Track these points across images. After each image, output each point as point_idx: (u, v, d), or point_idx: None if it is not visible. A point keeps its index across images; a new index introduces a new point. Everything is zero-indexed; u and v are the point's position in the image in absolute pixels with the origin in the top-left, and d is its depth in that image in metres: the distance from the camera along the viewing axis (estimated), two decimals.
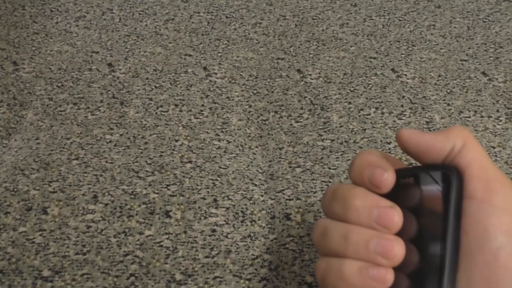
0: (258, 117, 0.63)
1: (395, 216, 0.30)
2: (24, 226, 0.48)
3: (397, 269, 0.30)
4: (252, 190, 0.52)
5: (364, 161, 0.31)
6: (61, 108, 0.61)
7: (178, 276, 0.44)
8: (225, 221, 0.49)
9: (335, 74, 0.69)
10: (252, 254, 0.46)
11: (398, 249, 0.29)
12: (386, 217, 0.30)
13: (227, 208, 0.50)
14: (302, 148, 0.58)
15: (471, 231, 0.29)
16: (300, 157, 0.56)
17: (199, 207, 0.50)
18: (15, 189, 0.51)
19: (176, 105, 0.62)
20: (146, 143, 0.57)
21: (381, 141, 0.58)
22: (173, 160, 0.54)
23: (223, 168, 0.54)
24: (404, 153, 0.56)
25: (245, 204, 0.51)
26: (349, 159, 0.55)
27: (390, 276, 0.29)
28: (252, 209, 0.50)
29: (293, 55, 0.72)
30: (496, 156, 0.57)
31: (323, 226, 0.32)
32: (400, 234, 0.30)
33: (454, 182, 0.30)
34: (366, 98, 0.64)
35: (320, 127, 0.60)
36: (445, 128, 0.32)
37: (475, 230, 0.29)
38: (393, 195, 0.31)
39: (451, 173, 0.30)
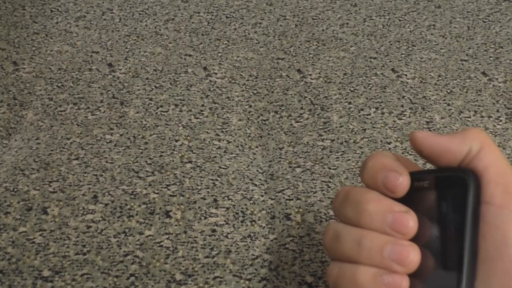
0: (258, 117, 0.63)
1: (410, 221, 0.29)
2: (24, 226, 0.48)
3: (412, 276, 0.29)
4: (252, 190, 0.52)
5: (378, 164, 0.30)
6: (61, 108, 0.61)
7: (178, 276, 0.44)
8: (225, 221, 0.49)
9: (335, 74, 0.69)
10: (252, 254, 0.46)
11: (413, 256, 0.29)
12: (401, 222, 0.29)
13: (227, 208, 0.50)
14: (302, 148, 0.58)
15: (490, 238, 0.28)
16: (300, 157, 0.56)
17: (199, 207, 0.50)
18: (15, 189, 0.51)
19: (176, 105, 0.62)
20: (146, 143, 0.57)
21: (381, 141, 0.58)
22: (173, 160, 0.54)
23: (223, 168, 0.54)
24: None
25: (245, 204, 0.51)
26: (349, 159, 0.55)
27: (405, 284, 0.28)
28: (252, 209, 0.50)
29: (293, 55, 0.72)
30: None
31: (335, 230, 0.31)
32: (414, 239, 0.29)
33: (471, 187, 0.28)
34: (366, 98, 0.64)
35: (320, 127, 0.60)
36: (461, 130, 0.31)
37: (494, 236, 0.28)
38: (407, 199, 0.30)
39: (468, 177, 0.29)
